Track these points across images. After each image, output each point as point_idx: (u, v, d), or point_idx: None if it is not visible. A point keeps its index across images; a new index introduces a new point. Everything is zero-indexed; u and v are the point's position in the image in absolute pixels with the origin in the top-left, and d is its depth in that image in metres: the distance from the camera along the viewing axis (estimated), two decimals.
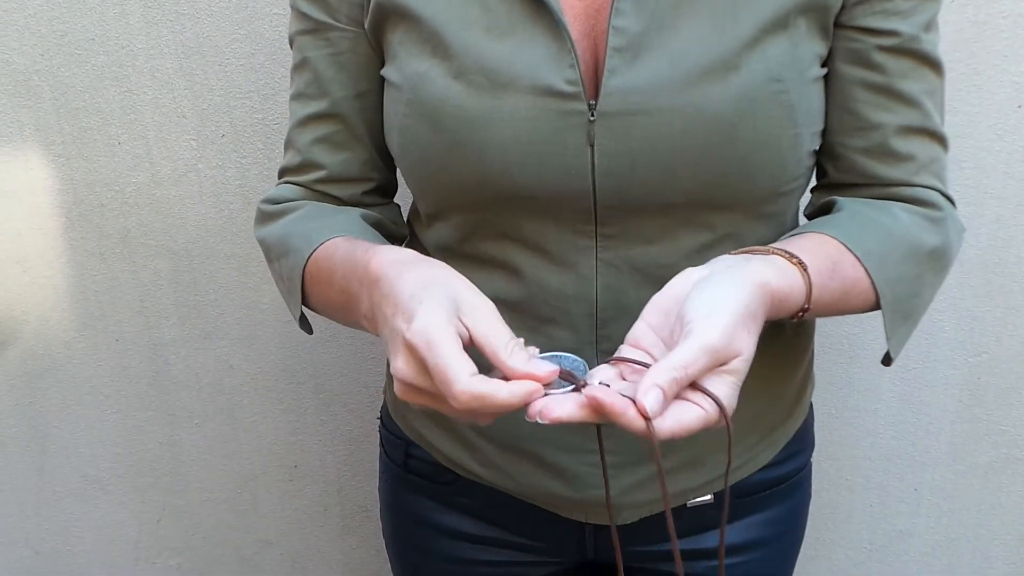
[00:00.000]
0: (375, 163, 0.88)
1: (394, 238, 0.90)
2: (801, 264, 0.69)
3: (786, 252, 0.70)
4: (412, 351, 0.61)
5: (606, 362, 0.65)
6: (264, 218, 0.88)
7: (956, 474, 1.43)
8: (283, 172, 0.90)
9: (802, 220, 0.89)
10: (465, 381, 0.58)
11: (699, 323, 0.60)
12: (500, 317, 0.63)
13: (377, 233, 0.85)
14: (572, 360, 0.65)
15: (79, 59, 1.26)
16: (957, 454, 1.42)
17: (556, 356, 0.65)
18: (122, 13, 1.24)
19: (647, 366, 0.61)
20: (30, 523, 1.54)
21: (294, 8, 0.84)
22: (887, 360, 0.81)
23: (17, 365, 1.43)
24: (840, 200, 0.81)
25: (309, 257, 0.79)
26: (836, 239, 0.74)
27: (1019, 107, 1.21)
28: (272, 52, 1.25)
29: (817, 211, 0.85)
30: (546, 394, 0.60)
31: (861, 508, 1.46)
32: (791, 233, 0.78)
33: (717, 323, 0.60)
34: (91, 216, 1.34)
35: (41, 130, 1.30)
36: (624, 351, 0.65)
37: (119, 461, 1.49)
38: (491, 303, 0.64)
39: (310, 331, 0.88)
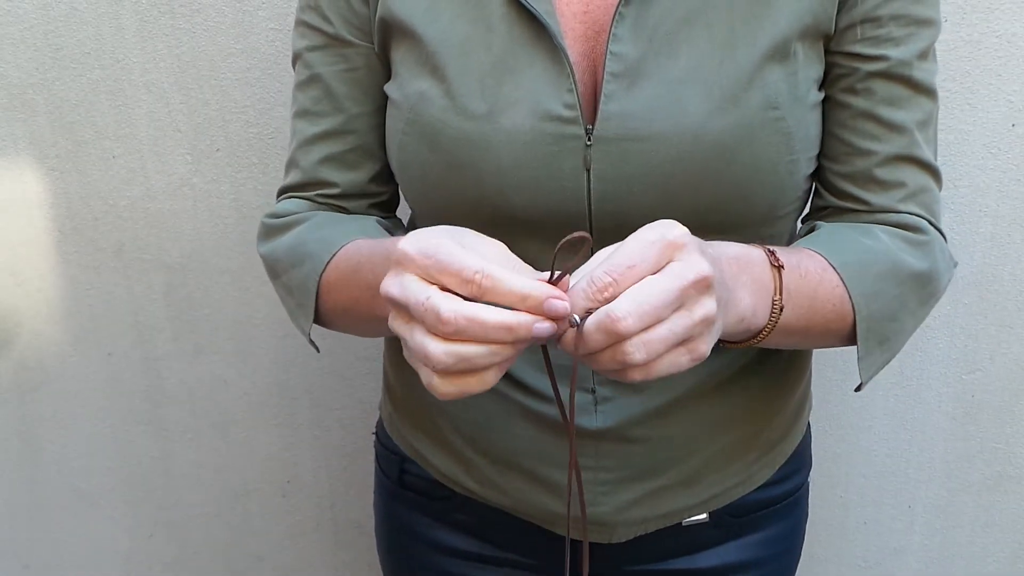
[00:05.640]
0: (385, 177, 0.86)
1: None
2: (767, 249, 0.68)
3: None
4: (401, 262, 0.57)
5: None
6: (270, 232, 0.85)
7: (950, 491, 1.43)
8: (285, 190, 0.87)
9: None
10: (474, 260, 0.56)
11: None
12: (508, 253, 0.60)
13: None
14: None
15: (74, 73, 1.26)
16: (951, 471, 1.41)
17: None
18: (118, 27, 1.23)
19: None
20: (20, 537, 1.53)
21: (303, 24, 0.83)
22: (858, 387, 0.79)
23: (9, 378, 1.43)
24: (820, 224, 0.80)
25: (329, 261, 0.76)
26: (812, 249, 0.74)
27: (1013, 126, 1.22)
28: (267, 67, 1.25)
29: (799, 237, 0.84)
30: None
31: (855, 525, 1.46)
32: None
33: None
34: (85, 229, 1.34)
35: (36, 143, 1.30)
36: None
37: (111, 475, 1.48)
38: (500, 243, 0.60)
39: (317, 348, 0.86)
